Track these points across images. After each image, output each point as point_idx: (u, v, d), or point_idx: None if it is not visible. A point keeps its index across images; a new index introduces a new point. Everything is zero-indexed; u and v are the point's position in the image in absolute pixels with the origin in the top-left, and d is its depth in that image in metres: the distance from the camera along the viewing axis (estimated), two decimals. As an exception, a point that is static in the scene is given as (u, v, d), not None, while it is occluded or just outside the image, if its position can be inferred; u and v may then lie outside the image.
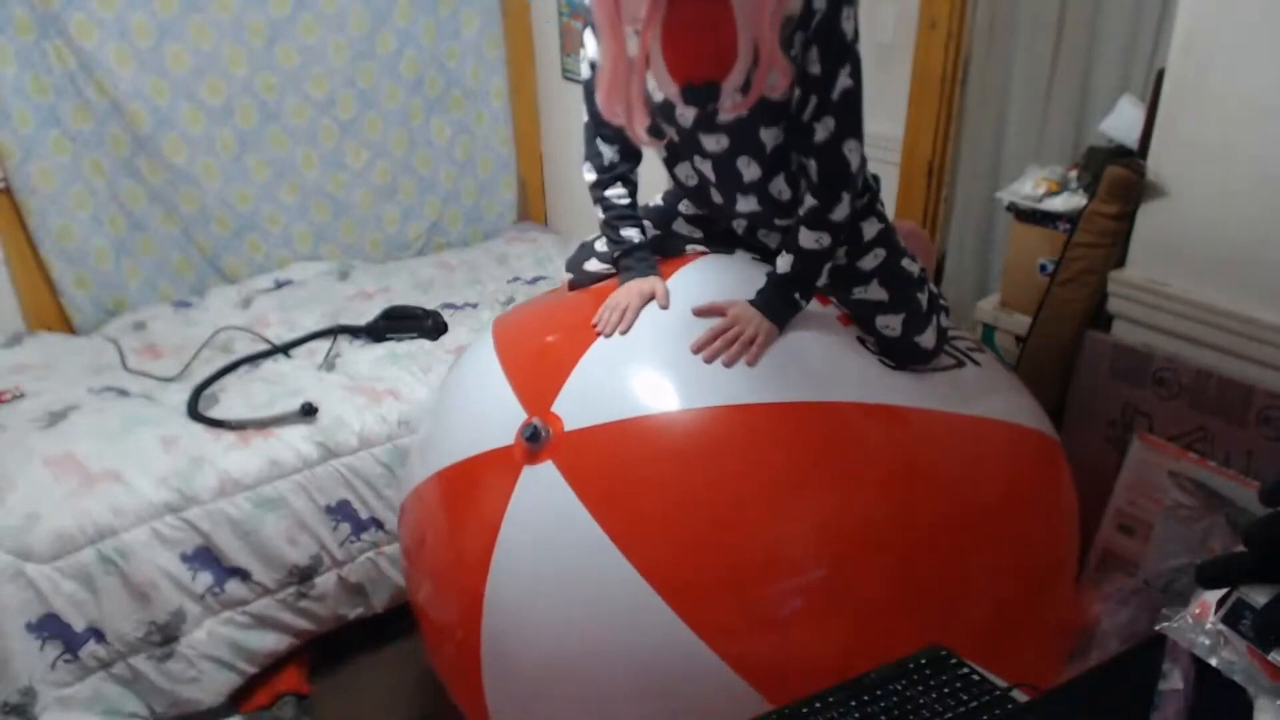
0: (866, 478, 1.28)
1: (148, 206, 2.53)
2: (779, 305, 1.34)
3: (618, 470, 1.26)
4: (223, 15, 2.49)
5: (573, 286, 1.63)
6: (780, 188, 1.40)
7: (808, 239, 1.33)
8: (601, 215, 1.50)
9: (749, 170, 1.37)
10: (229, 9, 2.49)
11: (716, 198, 1.47)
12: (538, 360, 1.42)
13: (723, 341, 1.30)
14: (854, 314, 1.45)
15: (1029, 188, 2.01)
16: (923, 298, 1.43)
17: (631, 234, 1.47)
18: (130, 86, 2.38)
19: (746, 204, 1.43)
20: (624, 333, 1.35)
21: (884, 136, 2.46)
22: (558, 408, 1.30)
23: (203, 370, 2.15)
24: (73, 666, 1.68)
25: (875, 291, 1.41)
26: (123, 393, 2.06)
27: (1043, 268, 2.00)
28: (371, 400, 2.03)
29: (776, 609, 1.20)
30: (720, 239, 1.55)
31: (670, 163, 1.47)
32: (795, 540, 1.22)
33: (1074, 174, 1.99)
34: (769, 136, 1.33)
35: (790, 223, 1.38)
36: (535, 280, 2.74)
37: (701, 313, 1.36)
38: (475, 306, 2.54)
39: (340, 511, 1.93)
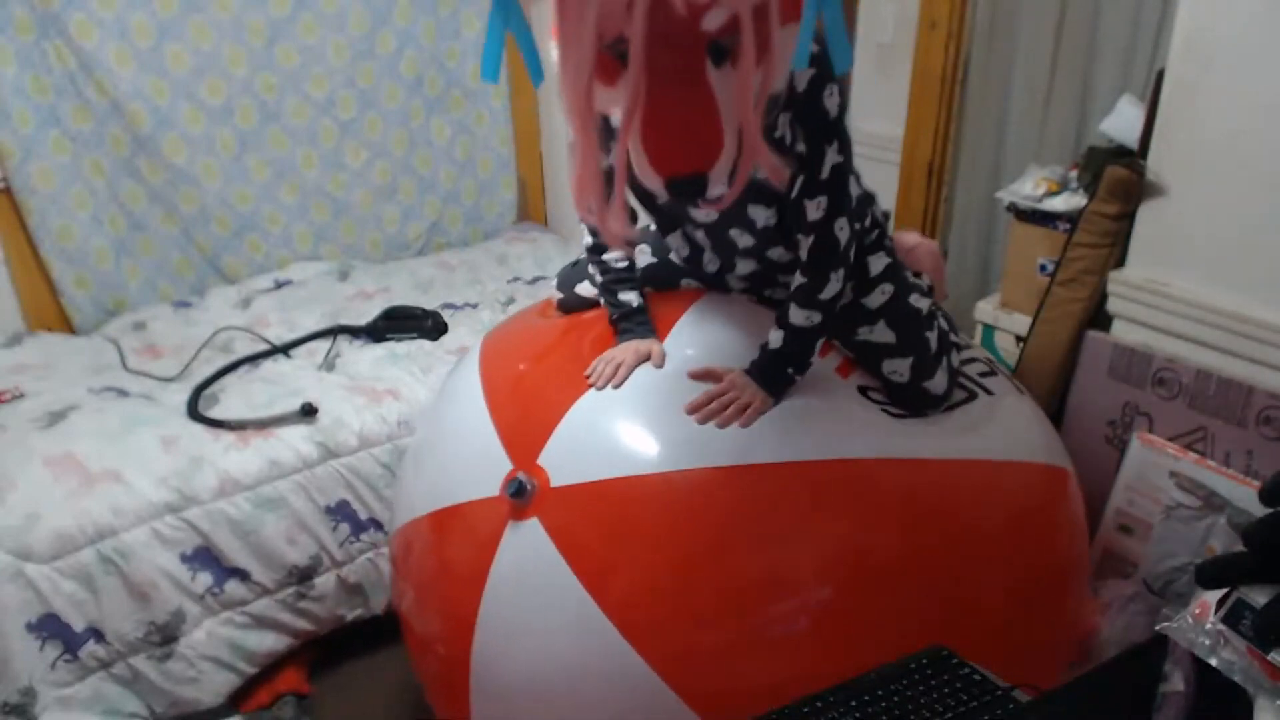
0: (859, 535, 1.27)
1: (148, 206, 2.53)
2: (772, 378, 1.33)
3: (603, 530, 1.25)
4: (223, 15, 2.49)
5: (561, 306, 1.61)
6: (779, 253, 1.39)
7: (798, 316, 1.32)
8: (599, 278, 1.48)
9: (743, 239, 1.37)
10: (229, 9, 2.49)
11: (711, 265, 1.46)
12: (524, 406, 1.41)
13: (718, 404, 1.29)
14: (859, 358, 1.42)
15: (1029, 188, 2.01)
16: (932, 336, 1.40)
17: (630, 298, 1.45)
18: (130, 86, 2.38)
19: (745, 266, 1.42)
20: (616, 387, 1.35)
21: (884, 136, 2.46)
22: (544, 460, 1.30)
23: (203, 370, 2.15)
24: (73, 666, 1.68)
25: (882, 333, 1.38)
26: (123, 393, 2.06)
27: (1043, 268, 2.00)
28: (371, 400, 2.03)
29: (749, 654, 1.22)
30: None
31: (663, 230, 1.46)
32: (767, 601, 1.22)
33: (1074, 174, 1.99)
34: (758, 214, 1.32)
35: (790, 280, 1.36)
36: (535, 280, 2.74)
37: (697, 377, 1.35)
38: (475, 306, 2.54)
39: (340, 512, 1.93)
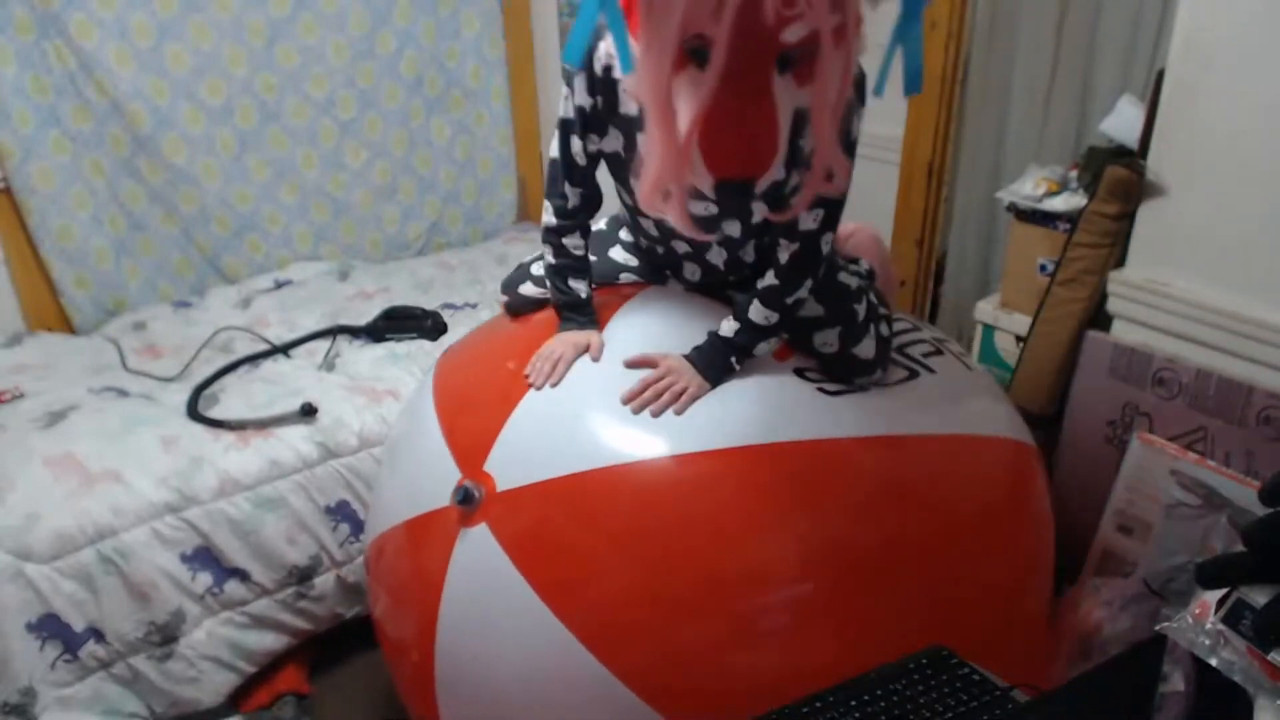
0: (809, 519, 1.26)
1: (148, 206, 2.53)
2: (714, 366, 1.34)
3: (550, 530, 1.26)
4: (223, 15, 2.49)
5: (508, 309, 1.63)
6: (749, 253, 1.42)
7: (758, 314, 1.34)
8: (552, 260, 1.47)
9: (730, 228, 1.38)
10: (229, 9, 2.49)
11: (681, 247, 1.46)
12: (470, 414, 1.43)
13: (652, 392, 1.31)
14: (792, 336, 1.44)
15: (1029, 188, 2.01)
16: (860, 308, 1.43)
17: (579, 287, 1.46)
18: (130, 86, 2.38)
19: (716, 256, 1.44)
20: (554, 385, 1.35)
21: (884, 136, 2.46)
22: (490, 466, 1.31)
23: (203, 370, 2.15)
24: (73, 666, 1.68)
25: (811, 308, 1.41)
26: (123, 393, 2.06)
27: (1043, 268, 2.00)
28: (371, 400, 2.03)
29: (706, 650, 1.21)
30: (657, 269, 1.55)
31: (637, 213, 1.46)
32: (716, 588, 1.22)
33: (1074, 174, 2.00)
34: (759, 208, 1.33)
35: (743, 277, 1.37)
36: (535, 280, 2.74)
37: (633, 365, 1.36)
38: (475, 306, 2.54)
39: (340, 512, 1.93)
